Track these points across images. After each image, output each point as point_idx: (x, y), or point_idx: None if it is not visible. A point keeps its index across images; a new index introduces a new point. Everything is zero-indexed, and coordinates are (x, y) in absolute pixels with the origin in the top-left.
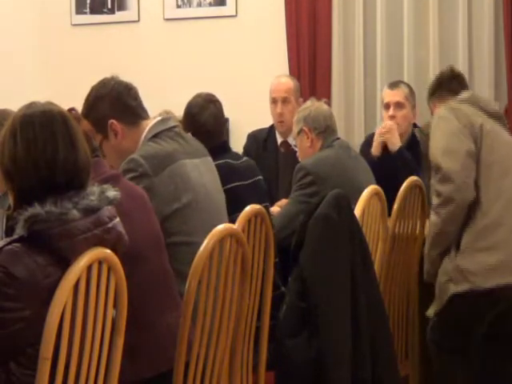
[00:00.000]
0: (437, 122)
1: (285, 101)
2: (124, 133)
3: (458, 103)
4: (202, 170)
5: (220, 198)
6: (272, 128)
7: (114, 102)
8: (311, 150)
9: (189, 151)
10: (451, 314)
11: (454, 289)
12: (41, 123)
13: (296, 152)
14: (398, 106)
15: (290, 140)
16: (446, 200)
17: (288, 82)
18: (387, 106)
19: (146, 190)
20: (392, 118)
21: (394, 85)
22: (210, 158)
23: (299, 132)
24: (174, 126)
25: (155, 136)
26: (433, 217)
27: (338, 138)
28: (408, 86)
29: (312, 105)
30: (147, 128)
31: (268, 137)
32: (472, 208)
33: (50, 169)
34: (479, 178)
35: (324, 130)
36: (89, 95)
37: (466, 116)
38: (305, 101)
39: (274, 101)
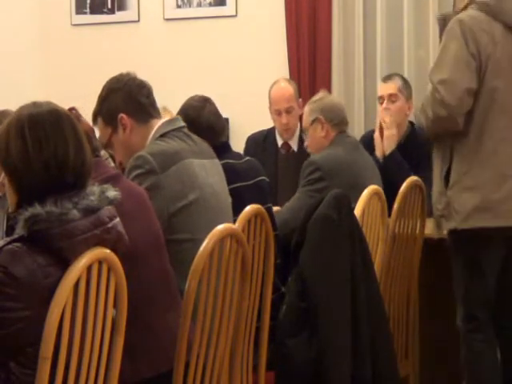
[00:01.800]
0: (448, 36)
1: (288, 110)
2: (133, 128)
3: (474, 11)
4: (209, 171)
5: (226, 199)
6: (272, 130)
7: (126, 96)
8: (325, 140)
9: (196, 151)
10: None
11: (446, 225)
12: (51, 123)
13: (296, 153)
14: (392, 98)
15: (292, 142)
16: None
17: (288, 89)
18: (381, 99)
19: (152, 187)
20: (386, 110)
21: (387, 77)
22: (217, 160)
23: (313, 121)
24: (183, 127)
25: (163, 135)
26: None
27: (349, 136)
28: (402, 78)
29: (325, 96)
30: (155, 128)
31: (267, 138)
32: (461, 142)
33: (60, 169)
34: (475, 113)
35: (340, 122)
36: (103, 89)
37: (475, 40)
38: (304, 102)
39: (277, 113)
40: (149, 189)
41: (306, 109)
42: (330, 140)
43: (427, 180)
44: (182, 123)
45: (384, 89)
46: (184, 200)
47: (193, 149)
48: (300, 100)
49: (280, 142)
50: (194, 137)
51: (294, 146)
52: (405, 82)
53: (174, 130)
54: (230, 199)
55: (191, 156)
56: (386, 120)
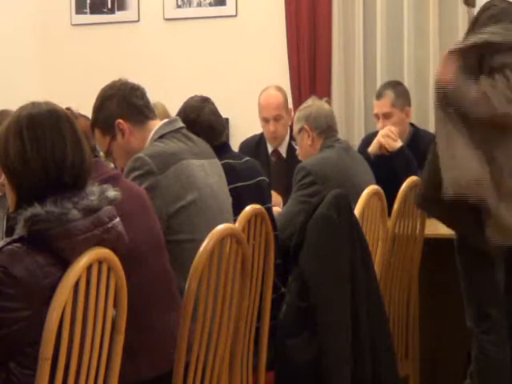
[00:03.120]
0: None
1: (276, 118)
2: (131, 132)
3: None
4: (208, 171)
5: (226, 199)
6: (263, 135)
7: (121, 101)
8: (312, 149)
9: (195, 152)
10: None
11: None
12: (49, 123)
13: (285, 160)
14: (386, 116)
15: (281, 149)
16: None
17: (277, 97)
18: (377, 117)
19: (151, 188)
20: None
21: (378, 94)
22: (217, 161)
23: (300, 130)
24: (181, 128)
25: (161, 137)
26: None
27: (339, 139)
28: (393, 88)
29: (313, 104)
30: (154, 129)
31: (259, 144)
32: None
33: (58, 169)
34: None
35: (325, 129)
36: (96, 99)
37: None
38: (295, 108)
39: (265, 120)
40: (147, 190)
41: (295, 117)
42: (316, 148)
43: None
44: (181, 124)
45: (377, 107)
46: (182, 201)
47: (192, 149)
48: (290, 108)
49: (270, 149)
50: (194, 137)
51: (284, 152)
52: (397, 92)
53: (172, 131)
54: (230, 199)
55: (190, 157)
56: (392, 129)
